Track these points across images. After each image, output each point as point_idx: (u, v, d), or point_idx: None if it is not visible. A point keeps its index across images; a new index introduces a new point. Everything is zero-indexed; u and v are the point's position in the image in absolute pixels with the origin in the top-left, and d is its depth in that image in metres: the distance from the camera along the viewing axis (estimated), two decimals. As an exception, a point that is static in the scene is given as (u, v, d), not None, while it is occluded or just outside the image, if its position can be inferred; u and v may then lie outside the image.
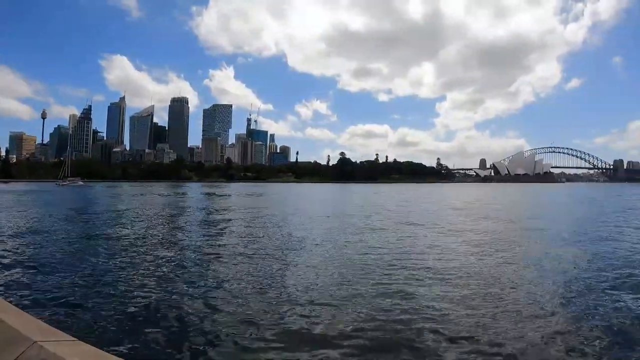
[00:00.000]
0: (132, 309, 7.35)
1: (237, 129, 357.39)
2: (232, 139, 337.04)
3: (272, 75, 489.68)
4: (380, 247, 14.68)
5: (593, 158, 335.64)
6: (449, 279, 10.24)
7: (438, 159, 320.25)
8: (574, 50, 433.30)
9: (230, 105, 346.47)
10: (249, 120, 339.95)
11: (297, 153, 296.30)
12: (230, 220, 24.70)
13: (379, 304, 8.01)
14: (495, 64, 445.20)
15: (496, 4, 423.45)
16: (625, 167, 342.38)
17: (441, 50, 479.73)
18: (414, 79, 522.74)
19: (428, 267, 11.61)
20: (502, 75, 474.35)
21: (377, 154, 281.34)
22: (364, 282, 9.52)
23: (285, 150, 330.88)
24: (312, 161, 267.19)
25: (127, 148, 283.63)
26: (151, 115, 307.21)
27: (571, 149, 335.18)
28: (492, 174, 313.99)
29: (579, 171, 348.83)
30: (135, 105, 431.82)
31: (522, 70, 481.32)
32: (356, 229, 20.79)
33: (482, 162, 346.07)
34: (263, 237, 17.36)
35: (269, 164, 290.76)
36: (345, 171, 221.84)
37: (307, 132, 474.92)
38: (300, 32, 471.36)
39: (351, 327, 6.80)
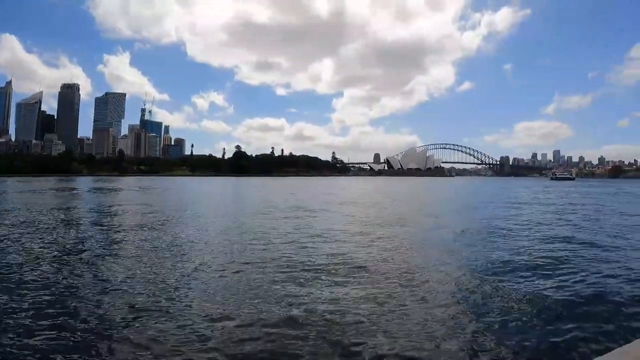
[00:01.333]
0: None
1: (131, 119, 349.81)
2: (124, 130, 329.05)
3: (170, 63, 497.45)
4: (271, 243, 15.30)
5: (481, 154, 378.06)
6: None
7: (333, 153, 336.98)
8: (468, 55, 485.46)
9: (124, 94, 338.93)
10: (143, 110, 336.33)
11: (192, 146, 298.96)
12: (120, 220, 23.77)
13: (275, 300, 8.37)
14: (394, 63, 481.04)
15: (400, 6, 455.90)
16: (511, 163, 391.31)
17: (342, 47, 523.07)
18: (313, 74, 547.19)
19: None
20: (400, 74, 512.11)
21: (272, 148, 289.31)
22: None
23: (180, 143, 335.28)
24: (208, 154, 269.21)
25: (13, 138, 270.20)
26: (39, 102, 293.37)
27: (461, 146, 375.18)
28: (386, 168, 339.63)
29: (468, 166, 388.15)
30: (23, 90, 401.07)
31: (418, 71, 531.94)
32: (243, 225, 21.16)
33: (376, 157, 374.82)
34: (154, 237, 16.90)
35: (163, 157, 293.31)
36: (241, 164, 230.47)
37: (202, 124, 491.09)
38: (203, 20, 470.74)
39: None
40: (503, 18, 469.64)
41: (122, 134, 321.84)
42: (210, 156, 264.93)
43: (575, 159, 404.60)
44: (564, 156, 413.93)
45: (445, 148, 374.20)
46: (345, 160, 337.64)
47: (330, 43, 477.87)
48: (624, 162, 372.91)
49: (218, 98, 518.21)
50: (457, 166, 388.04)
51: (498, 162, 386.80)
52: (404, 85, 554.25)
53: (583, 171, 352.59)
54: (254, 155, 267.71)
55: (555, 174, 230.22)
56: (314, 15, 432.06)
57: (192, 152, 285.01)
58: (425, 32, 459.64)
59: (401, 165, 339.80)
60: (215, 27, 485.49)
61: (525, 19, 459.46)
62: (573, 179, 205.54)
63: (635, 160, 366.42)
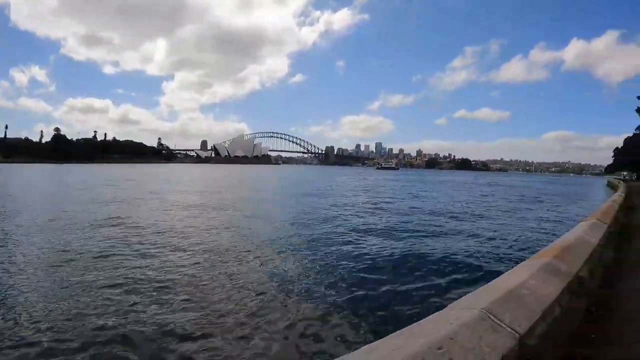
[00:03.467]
0: None
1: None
2: None
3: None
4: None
5: (308, 144, 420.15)
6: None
7: (159, 139, 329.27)
8: (303, 49, 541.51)
9: None
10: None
11: (7, 127, 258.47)
12: None
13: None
14: (230, 50, 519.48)
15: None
16: (335, 152, 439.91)
17: (179, 28, 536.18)
18: (145, 53, 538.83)
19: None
20: (235, 62, 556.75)
21: (95, 132, 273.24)
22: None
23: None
24: (24, 137, 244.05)
25: None
26: None
27: (289, 135, 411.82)
28: (213, 155, 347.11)
29: (295, 155, 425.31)
30: None
31: (253, 60, 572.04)
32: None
33: (204, 144, 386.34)
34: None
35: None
36: (61, 150, 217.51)
37: (20, 102, 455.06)
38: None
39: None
40: (341, 19, 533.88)
41: None
42: (27, 139, 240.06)
43: (395, 151, 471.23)
44: (385, 148, 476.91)
45: (273, 136, 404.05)
46: (172, 147, 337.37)
47: (168, 22, 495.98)
48: (439, 155, 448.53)
49: (40, 73, 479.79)
50: (283, 154, 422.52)
51: (323, 152, 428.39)
52: (237, 72, 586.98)
53: (402, 162, 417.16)
54: (75, 139, 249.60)
55: (381, 164, 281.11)
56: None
57: (5, 134, 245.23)
58: (265, 23, 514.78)
59: (228, 153, 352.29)
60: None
61: (362, 22, 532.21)
62: (397, 169, 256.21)
63: (449, 154, 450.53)
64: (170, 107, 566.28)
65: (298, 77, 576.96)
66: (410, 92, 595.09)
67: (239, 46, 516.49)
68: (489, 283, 3.28)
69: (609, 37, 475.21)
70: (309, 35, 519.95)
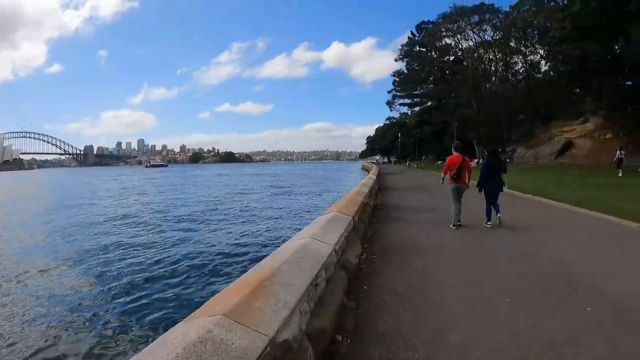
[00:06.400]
0: None
1: None
2: None
3: None
4: None
5: (65, 144, 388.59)
6: None
7: None
8: (64, 35, 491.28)
9: None
10: None
11: None
12: None
13: None
14: None
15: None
16: (95, 152, 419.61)
17: None
18: None
19: None
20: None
21: None
22: None
23: None
24: None
25: None
26: None
27: (43, 135, 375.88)
28: None
29: (51, 157, 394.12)
30: None
31: (6, 44, 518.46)
32: None
33: None
34: None
35: None
36: None
37: None
38: None
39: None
40: (110, 4, 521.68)
41: None
42: None
43: (158, 147, 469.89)
44: (148, 145, 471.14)
45: (25, 137, 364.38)
46: None
47: None
48: (203, 149, 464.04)
49: None
50: (38, 157, 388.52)
51: (82, 152, 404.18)
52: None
53: (166, 158, 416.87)
54: None
55: (150, 162, 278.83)
56: None
57: None
58: (23, 1, 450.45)
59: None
60: None
61: (131, 10, 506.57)
62: (166, 166, 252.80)
63: (213, 147, 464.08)
64: None
65: (56, 67, 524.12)
66: (174, 86, 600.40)
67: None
68: None
69: (368, 42, 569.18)
70: (73, 20, 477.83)
